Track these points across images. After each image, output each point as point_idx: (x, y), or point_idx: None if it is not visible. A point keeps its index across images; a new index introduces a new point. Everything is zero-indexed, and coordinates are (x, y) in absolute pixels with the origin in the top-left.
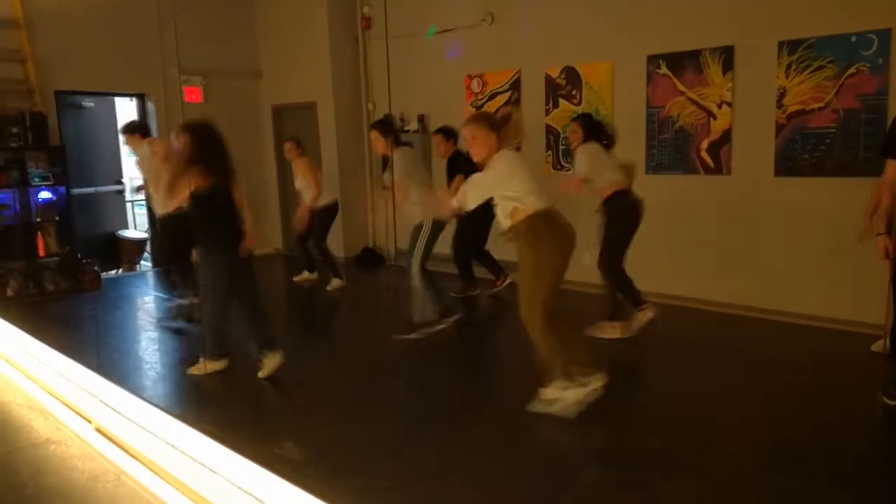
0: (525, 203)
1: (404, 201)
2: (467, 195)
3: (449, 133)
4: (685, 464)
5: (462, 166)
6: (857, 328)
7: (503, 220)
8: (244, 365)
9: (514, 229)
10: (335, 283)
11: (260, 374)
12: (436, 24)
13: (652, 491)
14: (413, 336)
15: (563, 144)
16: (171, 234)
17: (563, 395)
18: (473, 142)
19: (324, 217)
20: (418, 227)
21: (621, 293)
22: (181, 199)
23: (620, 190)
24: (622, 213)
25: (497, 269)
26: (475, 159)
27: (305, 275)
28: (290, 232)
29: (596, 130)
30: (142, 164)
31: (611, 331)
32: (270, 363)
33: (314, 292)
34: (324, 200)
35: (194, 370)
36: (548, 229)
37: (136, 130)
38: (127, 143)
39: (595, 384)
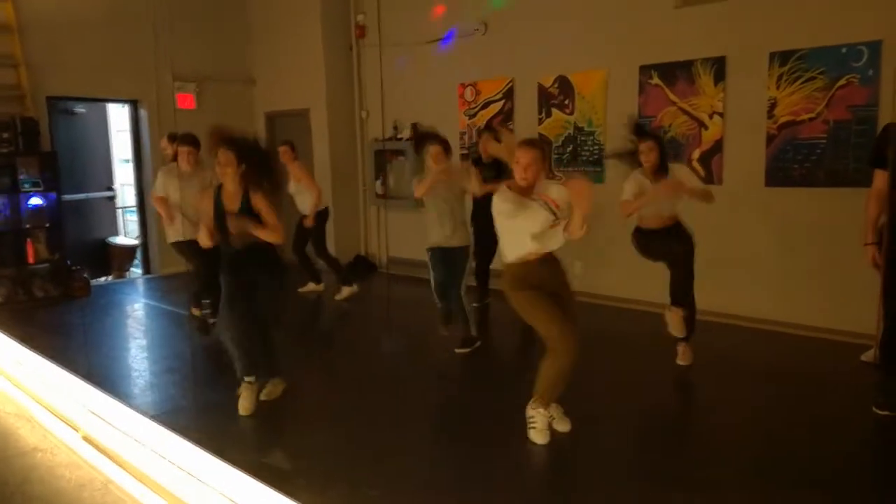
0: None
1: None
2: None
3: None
4: (679, 475)
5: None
6: (848, 338)
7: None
8: (232, 375)
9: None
10: (345, 291)
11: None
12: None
13: (639, 502)
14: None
15: (555, 154)
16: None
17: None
18: (529, 168)
19: (321, 222)
20: (460, 256)
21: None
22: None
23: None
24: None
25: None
26: (523, 184)
27: (311, 286)
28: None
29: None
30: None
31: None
32: (274, 390)
33: (311, 302)
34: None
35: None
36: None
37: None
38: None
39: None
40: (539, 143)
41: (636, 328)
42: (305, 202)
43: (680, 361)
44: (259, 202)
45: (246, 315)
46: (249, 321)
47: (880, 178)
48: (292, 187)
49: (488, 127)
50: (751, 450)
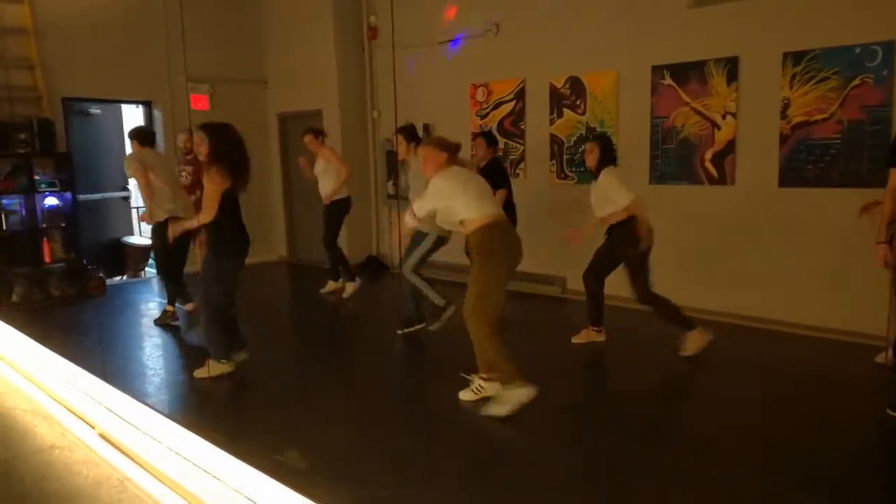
0: (471, 215)
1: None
2: (418, 209)
3: (491, 138)
4: (686, 474)
5: (499, 175)
6: (862, 339)
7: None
8: (248, 371)
9: (468, 239)
10: (349, 288)
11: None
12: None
13: (650, 501)
14: (416, 328)
15: (567, 154)
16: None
17: (505, 394)
18: (424, 163)
19: (337, 212)
20: (419, 237)
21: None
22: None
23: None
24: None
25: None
26: (425, 177)
27: (332, 285)
28: (303, 240)
29: (613, 153)
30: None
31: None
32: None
33: (322, 302)
34: (341, 193)
35: (200, 373)
36: (499, 238)
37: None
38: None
39: (531, 392)
40: (433, 139)
41: (645, 326)
42: (328, 185)
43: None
44: (206, 179)
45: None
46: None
47: (895, 177)
48: (320, 167)
49: (483, 133)
50: (762, 451)
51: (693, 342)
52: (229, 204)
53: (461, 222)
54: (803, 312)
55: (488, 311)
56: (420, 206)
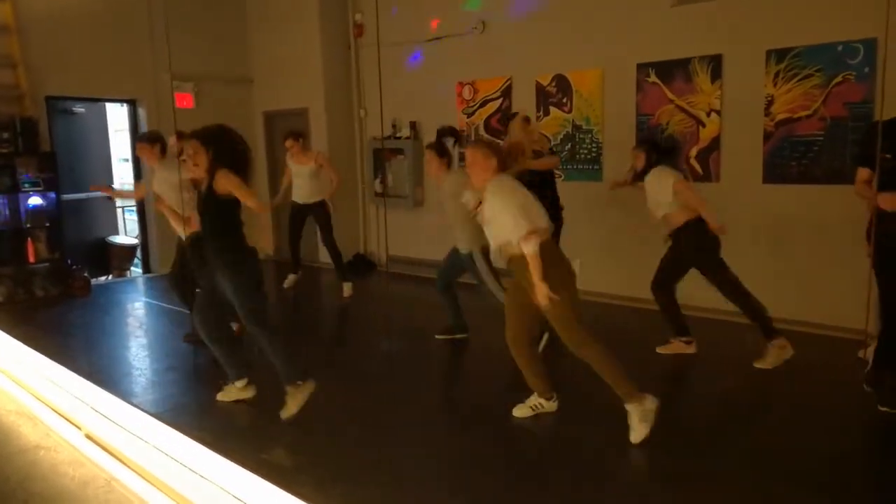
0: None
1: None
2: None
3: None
4: (675, 469)
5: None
6: (844, 334)
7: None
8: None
9: (518, 257)
10: (292, 279)
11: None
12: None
13: (641, 496)
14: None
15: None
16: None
17: (546, 406)
18: (473, 167)
19: (324, 215)
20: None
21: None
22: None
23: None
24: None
25: None
26: (473, 183)
27: (346, 288)
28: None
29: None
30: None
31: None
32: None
33: (311, 301)
34: (318, 196)
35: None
36: (551, 258)
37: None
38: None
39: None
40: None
41: (634, 324)
42: (315, 189)
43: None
44: (222, 182)
45: (211, 317)
46: (214, 322)
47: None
48: (303, 170)
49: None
50: (746, 444)
51: (773, 355)
52: (238, 207)
53: (502, 245)
54: (785, 307)
55: (579, 330)
56: (523, 225)
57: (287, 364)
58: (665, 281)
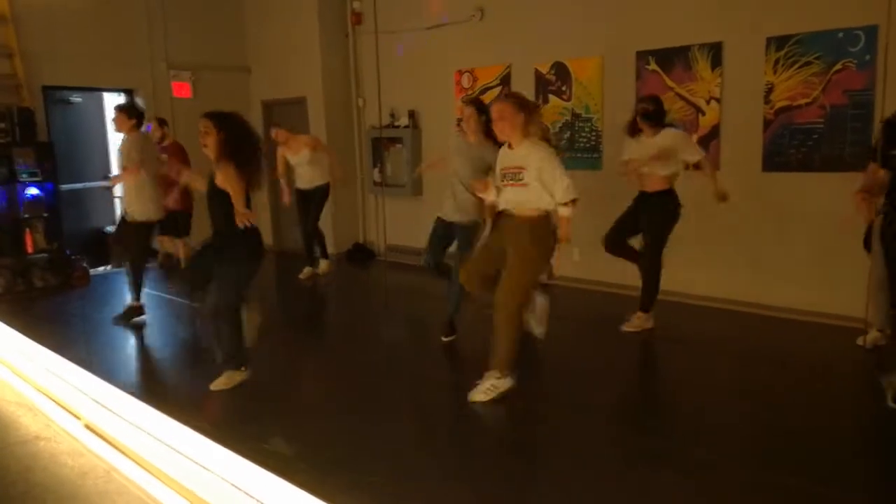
0: (546, 200)
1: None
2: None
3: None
4: (675, 458)
5: None
6: (843, 322)
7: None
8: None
9: (524, 218)
10: (307, 271)
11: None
12: None
13: (642, 486)
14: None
15: (552, 140)
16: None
17: (496, 384)
18: (500, 122)
19: (322, 196)
20: (468, 228)
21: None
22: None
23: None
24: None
25: None
26: (501, 137)
27: (323, 265)
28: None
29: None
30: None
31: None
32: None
33: (308, 288)
34: (322, 180)
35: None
36: (551, 230)
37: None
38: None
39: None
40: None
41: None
42: (315, 173)
43: (625, 328)
44: (221, 177)
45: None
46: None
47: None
48: (299, 159)
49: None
50: (747, 434)
51: (639, 322)
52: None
53: (518, 205)
54: (785, 295)
55: (520, 300)
56: (573, 191)
57: (239, 351)
58: (620, 239)
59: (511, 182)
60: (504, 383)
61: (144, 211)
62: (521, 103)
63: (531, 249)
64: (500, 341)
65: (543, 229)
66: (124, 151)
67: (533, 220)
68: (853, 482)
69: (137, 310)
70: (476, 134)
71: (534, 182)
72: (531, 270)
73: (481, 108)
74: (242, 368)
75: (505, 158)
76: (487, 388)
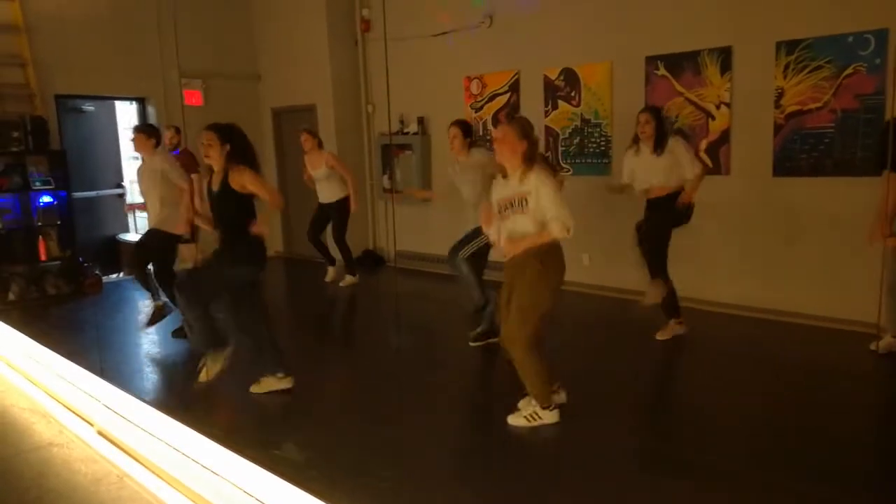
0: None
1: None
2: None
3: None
4: (684, 462)
5: None
6: (855, 327)
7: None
8: (246, 368)
9: (531, 249)
10: (349, 279)
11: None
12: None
13: (649, 490)
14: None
15: (562, 146)
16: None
17: (540, 413)
18: (502, 144)
19: (345, 210)
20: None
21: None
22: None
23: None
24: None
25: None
26: (499, 159)
27: (348, 279)
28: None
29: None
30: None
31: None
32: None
33: (321, 295)
34: (341, 193)
35: (256, 388)
36: (559, 259)
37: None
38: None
39: (556, 416)
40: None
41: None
42: (333, 189)
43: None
44: (239, 178)
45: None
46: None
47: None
48: (318, 174)
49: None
50: (760, 439)
51: (671, 330)
52: (252, 203)
53: (520, 234)
54: (797, 300)
55: (531, 331)
56: (567, 215)
57: (208, 344)
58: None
59: (514, 210)
60: (549, 416)
61: (174, 223)
62: (524, 132)
63: (536, 275)
64: (527, 376)
65: (551, 256)
66: (159, 173)
67: (541, 246)
68: (869, 488)
69: (162, 309)
70: (462, 151)
71: (533, 207)
72: (538, 296)
73: (467, 130)
74: (280, 375)
75: (502, 189)
76: (531, 415)
